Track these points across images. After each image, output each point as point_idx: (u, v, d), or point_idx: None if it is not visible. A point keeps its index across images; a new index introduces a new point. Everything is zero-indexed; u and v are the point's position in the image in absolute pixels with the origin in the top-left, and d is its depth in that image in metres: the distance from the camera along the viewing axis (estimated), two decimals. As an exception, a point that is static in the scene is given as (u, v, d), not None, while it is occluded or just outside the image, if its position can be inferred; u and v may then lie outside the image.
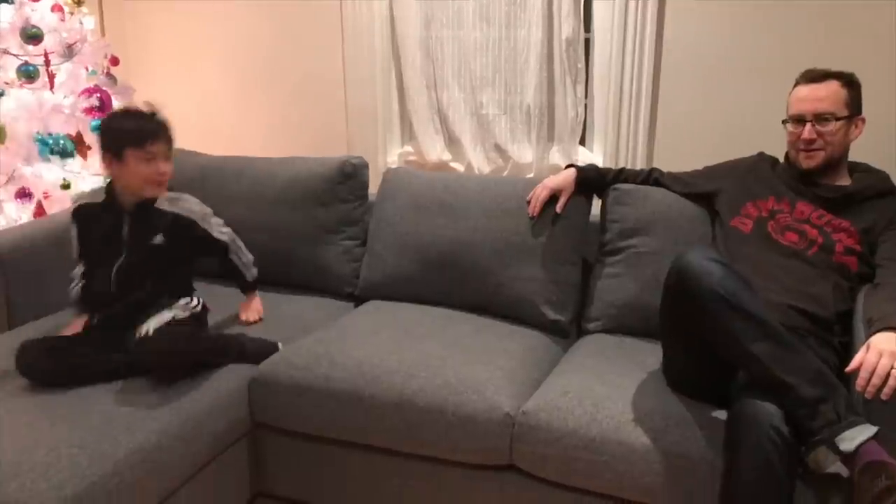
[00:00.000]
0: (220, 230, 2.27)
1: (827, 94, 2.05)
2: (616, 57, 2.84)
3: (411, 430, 2.02)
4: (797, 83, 2.12)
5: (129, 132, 2.04)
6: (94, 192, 2.23)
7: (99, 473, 1.71)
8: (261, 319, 2.43)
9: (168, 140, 2.09)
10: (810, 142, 2.08)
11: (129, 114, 2.10)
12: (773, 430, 1.57)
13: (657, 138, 2.90)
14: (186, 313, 2.12)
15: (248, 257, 2.39)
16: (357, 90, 3.23)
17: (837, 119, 2.05)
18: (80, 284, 2.19)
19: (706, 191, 2.32)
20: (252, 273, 2.42)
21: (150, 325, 1.99)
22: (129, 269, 2.09)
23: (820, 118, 2.06)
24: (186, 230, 2.16)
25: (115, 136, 2.05)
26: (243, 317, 2.42)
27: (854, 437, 1.53)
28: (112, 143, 2.05)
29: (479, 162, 3.15)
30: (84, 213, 2.16)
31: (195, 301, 2.19)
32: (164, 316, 2.05)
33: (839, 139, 2.07)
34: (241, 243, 2.35)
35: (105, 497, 1.71)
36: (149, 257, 2.10)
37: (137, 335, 1.97)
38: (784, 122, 2.14)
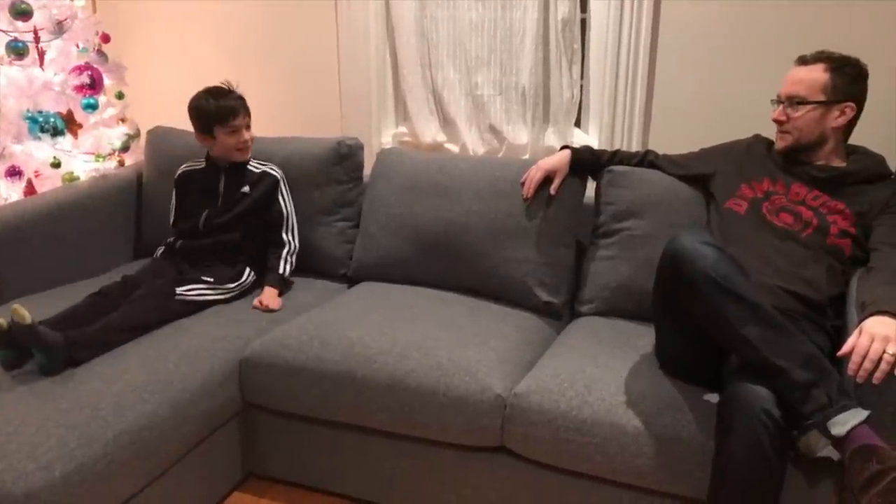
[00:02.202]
0: (288, 202, 2.54)
1: (804, 78, 2.05)
2: (612, 38, 2.81)
3: (403, 411, 2.02)
4: (795, 60, 2.11)
5: (215, 112, 2.39)
6: (195, 161, 2.59)
7: (88, 454, 1.70)
8: (270, 309, 2.39)
9: (246, 112, 2.45)
10: (779, 123, 2.10)
11: (210, 94, 2.42)
12: (764, 413, 1.56)
13: (653, 120, 2.88)
14: (222, 295, 2.38)
15: (296, 246, 2.54)
16: (351, 70, 3.20)
17: (807, 104, 2.04)
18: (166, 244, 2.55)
19: (701, 173, 2.30)
20: (286, 266, 2.49)
21: (190, 291, 2.30)
22: (220, 214, 2.48)
23: (791, 101, 2.06)
24: (270, 185, 2.52)
25: (203, 117, 2.41)
26: (261, 301, 2.39)
27: (846, 422, 1.53)
28: (202, 123, 2.42)
29: (474, 143, 3.13)
30: (185, 176, 2.59)
31: (244, 279, 2.45)
32: (204, 292, 2.33)
33: (807, 124, 2.05)
34: (296, 232, 2.56)
35: (94, 478, 1.70)
36: (237, 204, 2.48)
37: (179, 292, 2.27)
38: (772, 101, 2.14)
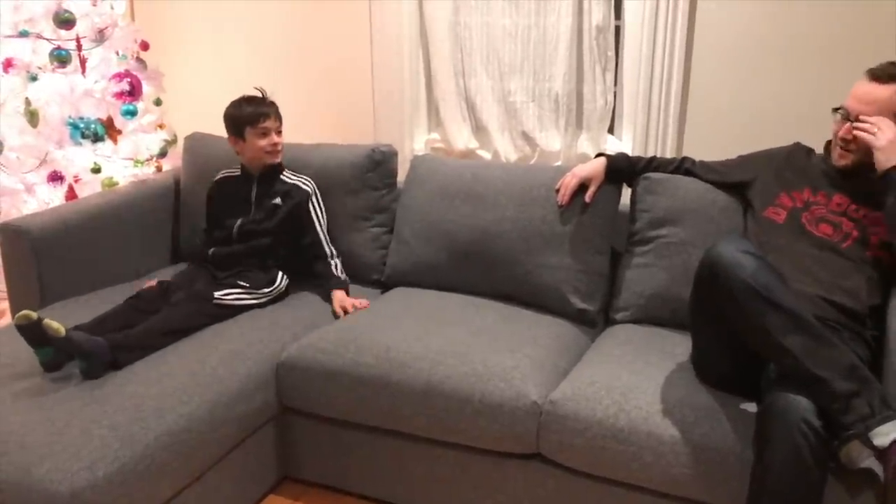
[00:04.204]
0: (322, 218, 2.57)
1: (878, 100, 1.95)
2: (647, 45, 2.80)
3: (438, 416, 2.03)
4: (866, 73, 2.01)
5: (247, 115, 2.48)
6: (232, 168, 2.65)
7: (129, 455, 1.73)
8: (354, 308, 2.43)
9: (277, 117, 2.52)
10: (845, 141, 2.03)
11: (244, 101, 2.51)
12: (804, 423, 1.55)
13: (687, 127, 2.87)
14: (258, 300, 2.41)
15: (337, 253, 2.58)
16: (384, 76, 3.23)
17: None
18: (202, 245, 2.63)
19: (740, 180, 2.28)
20: (338, 272, 2.54)
21: (227, 295, 2.34)
22: (252, 224, 2.52)
23: (860, 121, 1.97)
24: (301, 200, 2.54)
25: (236, 121, 2.50)
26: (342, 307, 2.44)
27: (888, 433, 1.52)
28: (234, 126, 2.51)
29: (507, 149, 3.14)
30: (220, 182, 2.65)
31: (277, 283, 2.48)
32: (241, 297, 2.37)
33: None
34: (335, 253, 2.58)
35: (136, 479, 1.73)
36: (268, 216, 2.52)
37: (217, 296, 2.31)
38: (835, 109, 2.06)
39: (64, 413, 1.78)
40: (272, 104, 2.53)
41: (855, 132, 1.94)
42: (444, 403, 2.01)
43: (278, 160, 2.55)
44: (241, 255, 2.50)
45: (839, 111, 2.05)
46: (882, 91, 1.96)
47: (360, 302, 2.44)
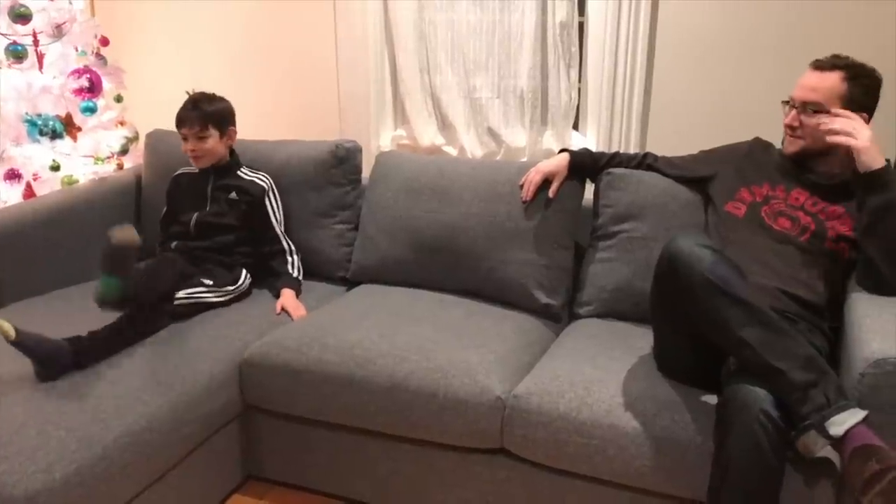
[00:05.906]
0: (278, 213, 2.57)
1: (821, 86, 1.99)
2: (610, 41, 2.82)
3: (402, 413, 2.02)
4: (810, 64, 2.05)
5: (176, 118, 2.48)
6: (191, 166, 2.61)
7: (88, 456, 1.70)
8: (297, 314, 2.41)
9: (198, 122, 2.45)
10: (791, 128, 2.07)
11: (187, 100, 2.50)
12: (763, 414, 1.57)
13: (650, 122, 2.90)
14: (221, 298, 2.38)
15: (295, 249, 2.59)
16: (350, 73, 3.21)
17: (822, 112, 1.98)
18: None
19: (701, 175, 2.31)
20: (294, 269, 2.56)
21: (191, 294, 2.30)
22: (209, 218, 2.51)
23: (806, 108, 2.02)
24: (257, 196, 2.53)
25: None
26: (284, 306, 2.44)
27: (843, 422, 1.54)
28: None
29: (472, 146, 3.14)
30: (178, 178, 2.65)
31: (241, 282, 2.46)
32: (204, 295, 2.34)
33: (822, 133, 1.97)
34: (288, 238, 2.60)
35: (94, 480, 1.70)
36: (225, 210, 2.51)
37: (179, 296, 2.26)
38: (785, 102, 2.10)
39: (19, 413, 1.74)
40: (196, 109, 2.46)
41: (832, 138, 1.89)
42: (408, 400, 2.01)
43: (199, 166, 2.53)
44: (204, 251, 2.47)
45: (788, 102, 2.09)
46: (824, 78, 2.00)
47: (297, 312, 2.40)
